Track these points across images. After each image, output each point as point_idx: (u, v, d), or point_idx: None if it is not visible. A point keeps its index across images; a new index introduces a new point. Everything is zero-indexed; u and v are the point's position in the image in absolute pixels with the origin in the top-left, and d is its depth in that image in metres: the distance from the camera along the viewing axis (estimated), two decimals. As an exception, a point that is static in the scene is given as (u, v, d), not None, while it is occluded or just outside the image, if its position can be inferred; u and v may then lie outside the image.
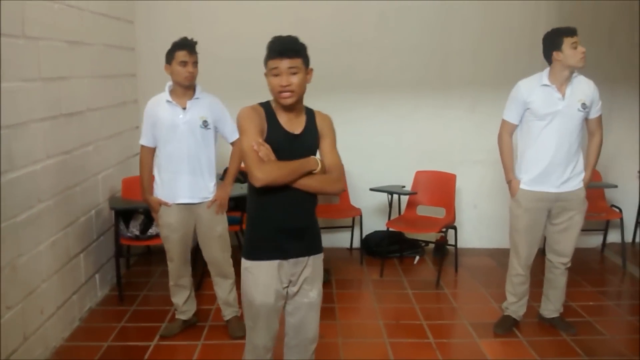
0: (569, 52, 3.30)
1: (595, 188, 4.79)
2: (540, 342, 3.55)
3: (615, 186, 4.97)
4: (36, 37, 3.22)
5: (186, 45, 3.29)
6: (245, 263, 2.36)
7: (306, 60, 2.25)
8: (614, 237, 5.28)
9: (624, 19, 5.10)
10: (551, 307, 3.71)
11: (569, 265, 3.61)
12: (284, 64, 2.18)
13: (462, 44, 5.13)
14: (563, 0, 5.03)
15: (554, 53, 3.33)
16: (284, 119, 2.29)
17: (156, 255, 4.94)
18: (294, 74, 2.19)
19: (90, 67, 4.00)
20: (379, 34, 5.06)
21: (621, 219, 5.00)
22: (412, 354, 3.44)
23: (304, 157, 2.26)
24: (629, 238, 5.30)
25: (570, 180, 3.43)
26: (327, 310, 4.01)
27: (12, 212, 2.94)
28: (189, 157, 3.34)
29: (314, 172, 2.26)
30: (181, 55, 3.25)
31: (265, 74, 2.25)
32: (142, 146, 3.45)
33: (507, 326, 3.69)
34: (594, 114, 3.44)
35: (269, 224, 2.31)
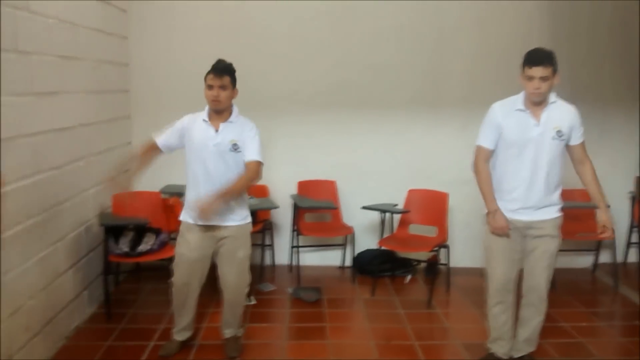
0: (524, 81, 3.04)
1: (587, 208, 4.79)
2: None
3: (608, 206, 4.95)
4: (29, 51, 3.21)
5: (213, 68, 3.24)
6: None
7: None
8: (605, 257, 5.29)
9: (617, 41, 5.16)
10: (518, 346, 3.39)
11: (545, 304, 3.28)
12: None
13: (454, 63, 5.17)
14: (557, 17, 5.09)
15: (520, 76, 3.08)
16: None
17: (145, 273, 4.89)
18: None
19: (83, 83, 3.99)
20: (373, 52, 5.09)
21: (613, 240, 4.99)
22: (403, 374, 3.41)
23: None
24: (620, 258, 5.31)
25: (543, 209, 3.17)
26: (318, 330, 3.97)
27: (-1, 228, 2.90)
28: (215, 179, 3.22)
29: None
30: (208, 78, 3.22)
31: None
32: (154, 139, 3.37)
33: None
34: (575, 141, 3.14)
35: None
